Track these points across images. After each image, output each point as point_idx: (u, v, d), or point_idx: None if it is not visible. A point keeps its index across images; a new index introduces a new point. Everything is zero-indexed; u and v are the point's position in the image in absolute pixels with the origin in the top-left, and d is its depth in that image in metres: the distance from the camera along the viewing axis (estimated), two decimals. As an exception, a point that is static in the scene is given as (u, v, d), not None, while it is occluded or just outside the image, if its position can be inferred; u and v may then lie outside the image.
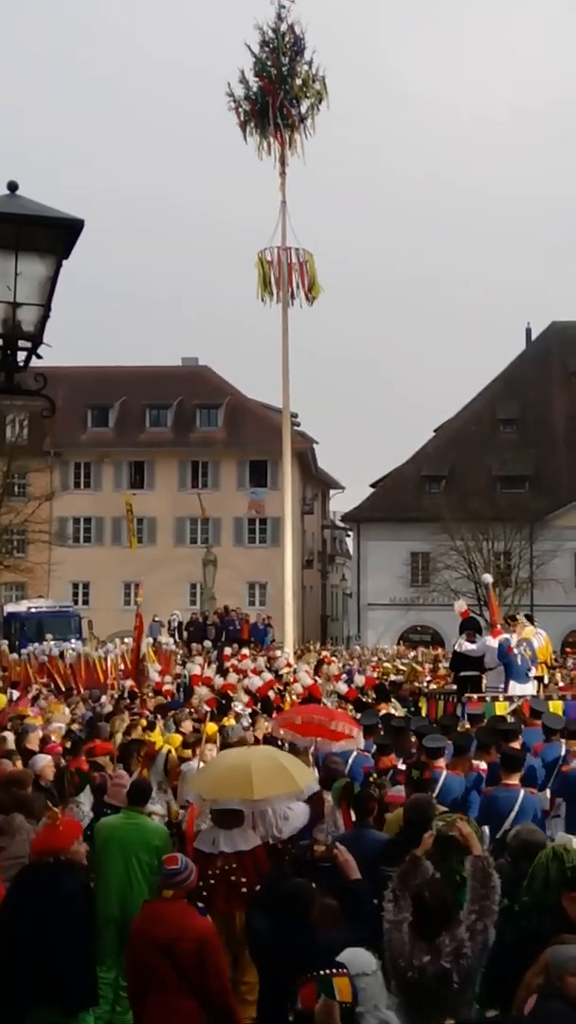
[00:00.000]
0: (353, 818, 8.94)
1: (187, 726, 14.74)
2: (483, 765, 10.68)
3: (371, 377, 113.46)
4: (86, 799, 9.60)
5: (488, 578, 20.83)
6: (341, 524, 63.98)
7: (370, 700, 18.50)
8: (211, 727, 14.15)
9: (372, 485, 58.26)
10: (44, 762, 10.49)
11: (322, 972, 5.07)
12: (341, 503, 66.40)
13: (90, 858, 7.98)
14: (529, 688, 16.53)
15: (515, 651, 16.47)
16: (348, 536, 64.01)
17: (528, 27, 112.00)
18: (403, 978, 5.62)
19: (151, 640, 32.39)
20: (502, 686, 16.47)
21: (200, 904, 7.01)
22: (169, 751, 12.33)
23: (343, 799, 9.04)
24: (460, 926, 5.71)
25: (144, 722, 15.06)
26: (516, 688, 16.18)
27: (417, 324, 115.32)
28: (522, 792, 9.47)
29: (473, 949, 5.64)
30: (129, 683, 21.88)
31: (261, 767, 8.63)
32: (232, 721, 14.94)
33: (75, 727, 14.95)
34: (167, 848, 8.51)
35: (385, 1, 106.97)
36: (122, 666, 25.35)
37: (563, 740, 11.96)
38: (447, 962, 5.55)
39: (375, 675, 26.85)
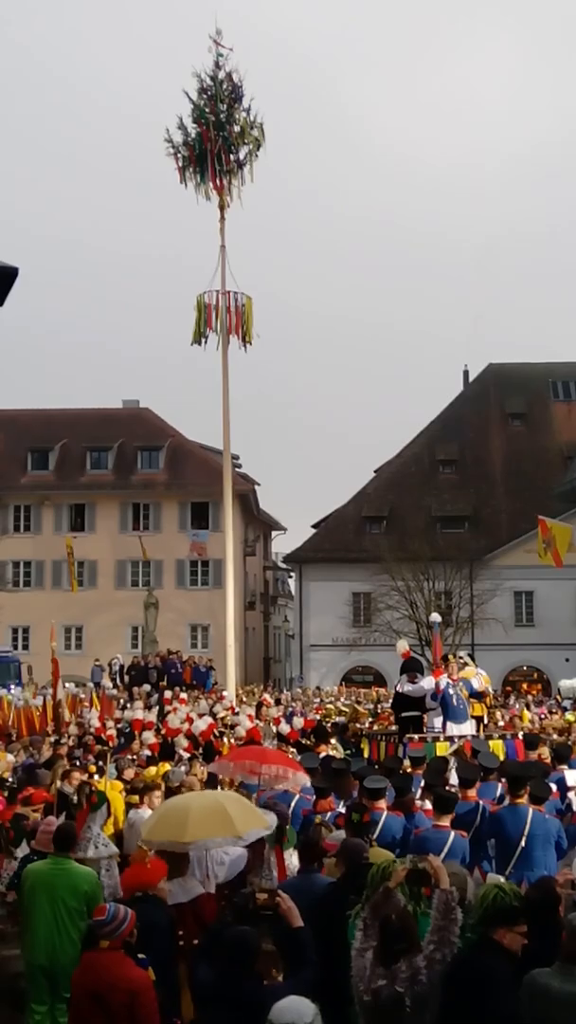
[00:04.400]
0: (297, 862, 8.92)
1: (129, 773, 14.64)
2: (428, 806, 10.69)
3: (311, 419, 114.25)
4: (23, 852, 9.47)
5: (436, 617, 20.89)
6: (283, 565, 64.01)
7: (309, 742, 18.45)
8: (150, 771, 14.08)
9: (313, 526, 58.43)
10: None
11: None
12: (283, 544, 66.63)
13: (18, 905, 7.92)
14: (467, 728, 16.58)
15: (449, 691, 16.54)
16: (290, 577, 64.04)
17: (481, 72, 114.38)
18: (361, 1001, 5.99)
19: (92, 684, 32.14)
20: (439, 727, 16.52)
21: (141, 956, 6.95)
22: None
23: (277, 841, 9.01)
24: (419, 954, 5.98)
25: (93, 768, 14.95)
26: (453, 728, 16.24)
27: (356, 366, 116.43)
28: (452, 834, 9.50)
29: (429, 976, 5.90)
30: (73, 729, 21.67)
31: (200, 810, 8.56)
32: (167, 766, 14.87)
33: (7, 775, 14.75)
34: (96, 893, 8.40)
35: (331, 44, 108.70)
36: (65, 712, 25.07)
37: (500, 780, 12.04)
38: (401, 986, 5.82)
39: (317, 716, 26.82)
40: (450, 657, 18.04)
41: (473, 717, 17.26)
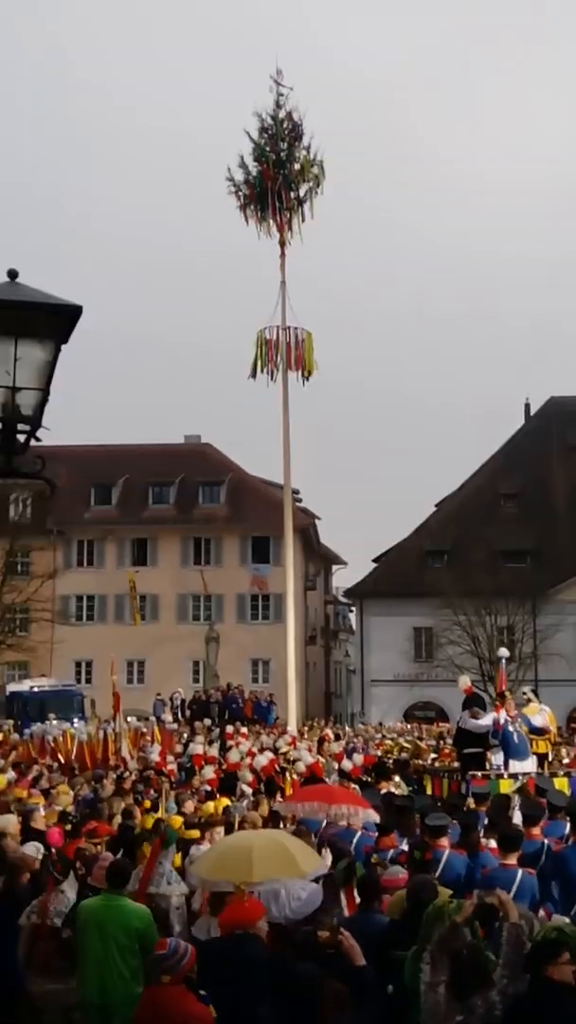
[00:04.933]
0: (358, 900, 8.83)
1: (189, 807, 14.62)
2: (493, 844, 10.53)
3: (372, 452, 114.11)
4: (70, 886, 9.46)
5: (504, 652, 20.75)
6: (344, 600, 63.87)
7: (370, 779, 18.32)
8: (209, 807, 14.04)
9: (374, 560, 58.30)
10: (30, 849, 10.40)
11: None
12: (344, 578, 66.41)
13: (73, 942, 7.93)
14: (529, 765, 16.36)
15: (509, 728, 16.33)
16: (351, 612, 63.88)
17: (548, 102, 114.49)
18: None
19: (154, 718, 32.22)
20: (501, 764, 16.32)
21: (202, 992, 6.92)
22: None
23: (347, 881, 8.93)
24: (493, 988, 5.97)
25: (148, 803, 14.95)
26: (515, 765, 16.02)
27: (417, 398, 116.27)
28: (520, 872, 9.34)
29: (503, 1011, 5.93)
30: (135, 764, 21.70)
31: (263, 849, 8.53)
32: (226, 801, 14.81)
33: (69, 808, 14.78)
34: (148, 930, 8.37)
35: (391, 78, 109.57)
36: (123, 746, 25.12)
37: (568, 818, 11.83)
38: (478, 1022, 5.86)
39: (378, 752, 26.64)
40: (507, 694, 17.86)
41: (536, 754, 17.04)
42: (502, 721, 16.34)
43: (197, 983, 6.97)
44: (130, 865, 9.30)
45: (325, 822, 12.55)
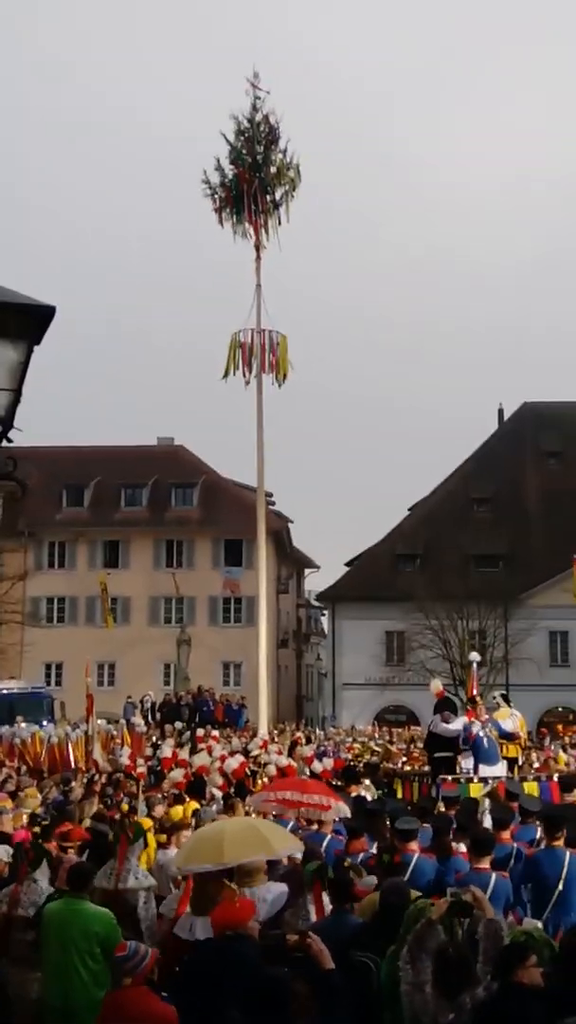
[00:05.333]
0: (328, 902, 8.82)
1: (159, 810, 14.57)
2: (463, 848, 10.54)
3: (345, 456, 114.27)
4: (43, 875, 9.41)
5: (475, 656, 20.75)
6: (316, 603, 63.90)
7: (340, 783, 18.30)
8: (177, 811, 14.00)
9: (347, 564, 58.37)
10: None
11: None
12: (316, 582, 66.43)
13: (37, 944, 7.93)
14: (499, 769, 16.41)
15: (479, 734, 16.36)
16: (323, 615, 63.90)
17: (525, 102, 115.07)
18: None
19: (124, 721, 32.10)
20: (471, 768, 16.36)
21: (164, 993, 6.90)
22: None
23: (315, 881, 8.93)
24: (479, 985, 6.01)
25: (125, 807, 14.89)
26: (485, 770, 16.06)
27: (391, 403, 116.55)
28: (494, 876, 9.35)
29: (472, 1014, 5.97)
30: (106, 766, 21.62)
31: (235, 832, 8.59)
32: (195, 805, 14.78)
33: (38, 810, 14.68)
34: (110, 933, 8.33)
35: (369, 83, 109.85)
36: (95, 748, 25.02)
37: (538, 823, 11.87)
38: (468, 1018, 5.89)
39: (349, 756, 26.64)
40: (477, 699, 17.90)
41: (506, 758, 17.09)
42: (475, 730, 16.35)
43: (183, 982, 6.99)
44: (93, 868, 9.24)
45: (292, 822, 12.54)
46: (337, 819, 12.19)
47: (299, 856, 9.54)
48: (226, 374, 31.52)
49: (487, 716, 16.99)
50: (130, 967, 6.48)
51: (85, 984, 8.13)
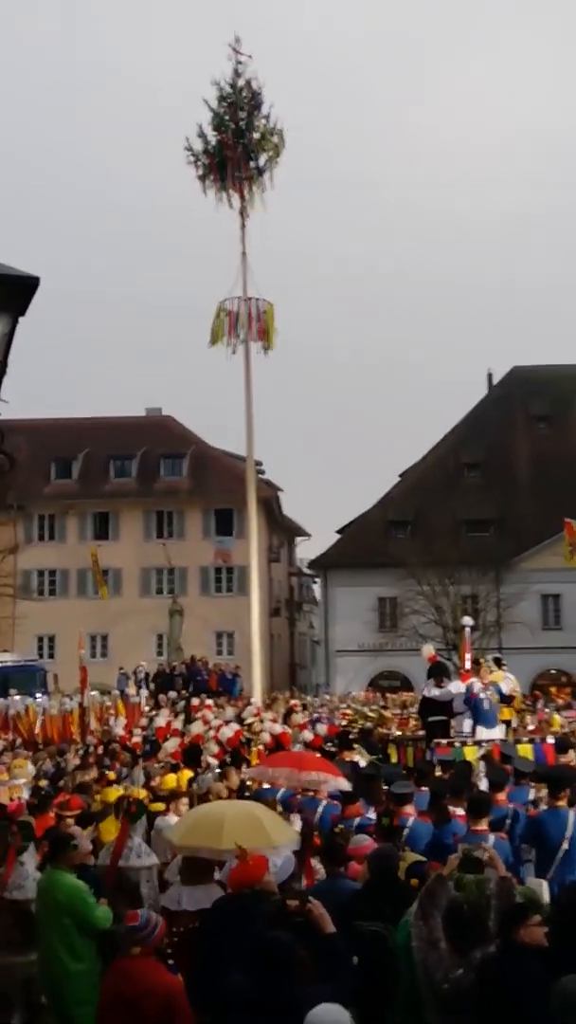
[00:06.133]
0: (318, 867, 8.87)
1: (156, 780, 14.62)
2: (460, 811, 10.60)
3: (335, 424, 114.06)
4: (30, 857, 9.43)
5: (468, 621, 20.76)
6: (308, 571, 63.97)
7: (333, 748, 18.38)
8: (171, 779, 14.05)
9: (338, 531, 58.37)
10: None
11: None
12: (307, 550, 66.50)
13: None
14: (497, 732, 16.46)
15: (481, 696, 16.41)
16: (315, 583, 63.99)
17: (512, 65, 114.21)
18: (438, 991, 6.06)
19: (117, 692, 32.17)
20: (469, 731, 16.40)
21: (171, 961, 6.93)
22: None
23: (304, 848, 8.99)
24: (491, 942, 6.07)
25: (112, 775, 14.95)
26: (484, 733, 16.11)
27: (380, 369, 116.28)
28: (492, 837, 9.41)
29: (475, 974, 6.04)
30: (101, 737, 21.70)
31: (235, 818, 8.58)
32: (190, 773, 14.82)
33: (42, 783, 14.74)
34: (75, 904, 8.37)
35: (352, 47, 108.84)
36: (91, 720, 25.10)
37: (532, 784, 11.94)
38: (474, 974, 5.97)
39: (343, 722, 26.71)
40: (481, 661, 17.94)
41: (502, 721, 17.15)
42: (476, 689, 16.39)
43: (201, 945, 7.08)
44: (68, 837, 9.25)
45: (283, 789, 12.58)
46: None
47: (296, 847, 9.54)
48: (214, 342, 31.35)
49: (489, 679, 16.99)
50: (141, 937, 6.49)
51: (59, 956, 8.22)
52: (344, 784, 12.04)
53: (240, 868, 7.52)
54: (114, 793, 12.00)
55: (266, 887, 7.30)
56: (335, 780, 12.07)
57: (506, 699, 18.05)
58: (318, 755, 16.58)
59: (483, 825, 9.60)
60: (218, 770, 15.40)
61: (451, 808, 10.85)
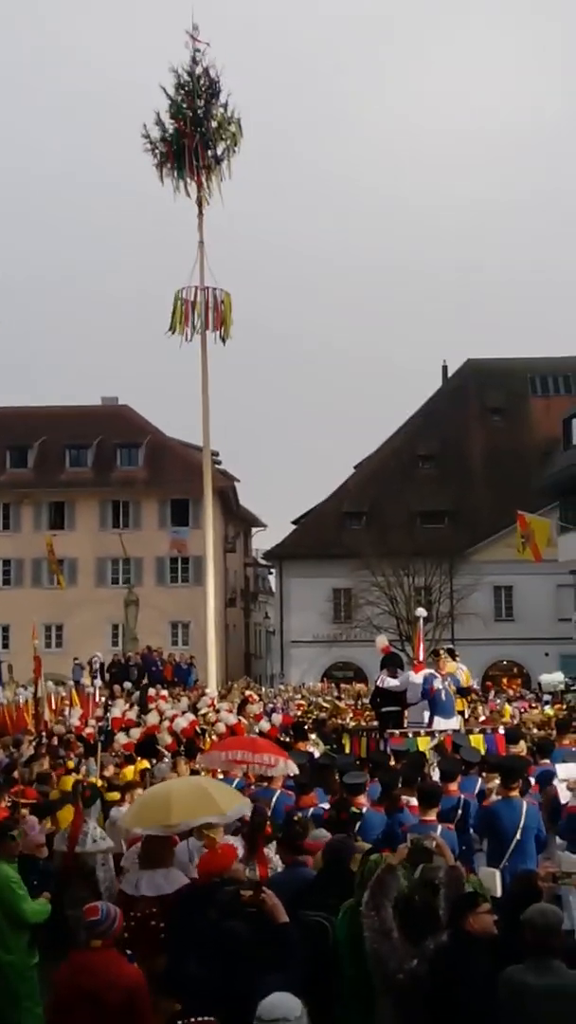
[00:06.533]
0: (272, 856, 8.94)
1: (111, 770, 14.62)
2: (413, 801, 10.70)
3: (291, 415, 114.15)
4: None
5: (422, 612, 20.83)
6: (263, 562, 64.02)
7: (289, 739, 18.46)
8: (128, 770, 14.07)
9: (294, 522, 58.48)
10: None
11: (193, 1020, 5.44)
12: (263, 540, 66.60)
13: None
14: (454, 723, 16.58)
15: (439, 687, 16.53)
16: (271, 574, 64.06)
17: (470, 57, 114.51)
18: (392, 981, 6.08)
19: (72, 682, 32.05)
20: (425, 721, 16.51)
21: (128, 951, 6.95)
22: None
23: (256, 837, 9.05)
24: (443, 931, 6.13)
25: (71, 763, 14.94)
26: (441, 723, 16.22)
27: (335, 363, 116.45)
28: (440, 827, 9.52)
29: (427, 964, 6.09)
30: (59, 728, 21.63)
31: (181, 792, 8.61)
32: (146, 764, 14.86)
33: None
34: (2, 893, 8.40)
35: (312, 37, 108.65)
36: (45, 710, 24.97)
37: (482, 775, 12.09)
38: (429, 964, 6.02)
39: (297, 712, 26.81)
40: (440, 652, 18.03)
41: (457, 712, 17.27)
42: (436, 684, 16.48)
43: (174, 934, 7.12)
44: (5, 828, 9.22)
45: (239, 779, 12.66)
46: (287, 776, 12.32)
47: (249, 814, 9.63)
48: (172, 330, 31.25)
49: (447, 670, 17.06)
50: (101, 930, 6.47)
51: None
52: (293, 767, 12.18)
53: (209, 856, 7.57)
54: (71, 781, 12.01)
55: (234, 875, 7.33)
56: (285, 762, 12.22)
57: (463, 691, 18.19)
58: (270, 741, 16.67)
59: (432, 815, 9.72)
60: (171, 761, 15.41)
61: (404, 798, 10.97)
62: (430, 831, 9.14)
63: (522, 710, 27.02)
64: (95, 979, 6.31)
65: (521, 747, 14.53)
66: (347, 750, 17.77)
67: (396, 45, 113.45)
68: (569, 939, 8.11)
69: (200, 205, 32.32)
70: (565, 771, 11.99)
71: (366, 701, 26.81)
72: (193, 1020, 5.59)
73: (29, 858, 9.17)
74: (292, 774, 12.19)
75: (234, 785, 12.17)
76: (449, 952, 6.09)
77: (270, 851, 9.83)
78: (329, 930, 6.99)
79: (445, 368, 61.56)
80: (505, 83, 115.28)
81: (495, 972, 5.98)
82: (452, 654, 19.83)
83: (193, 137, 31.65)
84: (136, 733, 18.55)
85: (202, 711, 23.31)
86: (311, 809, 10.63)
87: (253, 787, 12.38)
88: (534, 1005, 5.67)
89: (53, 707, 25.47)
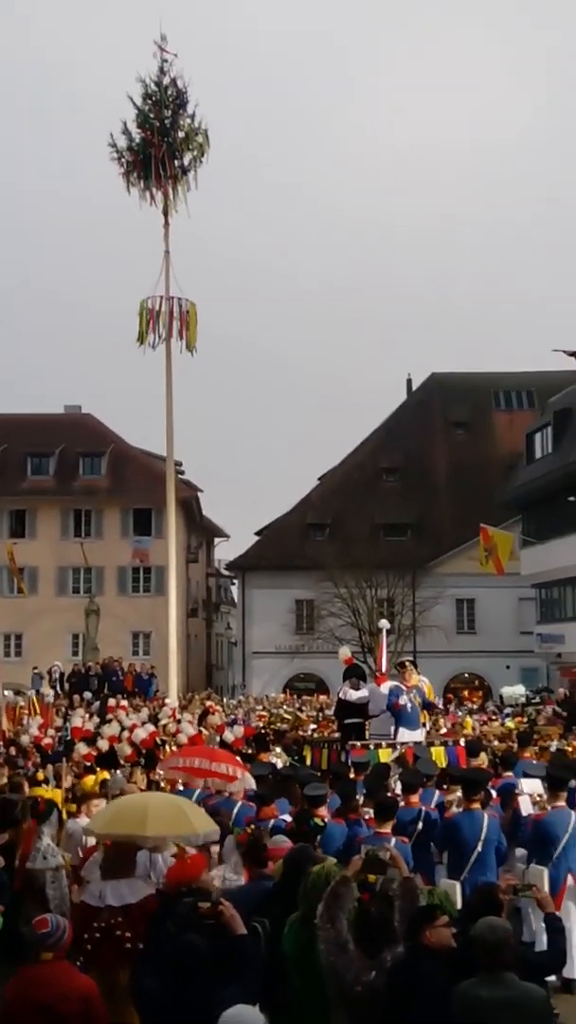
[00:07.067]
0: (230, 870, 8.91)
1: (68, 780, 14.49)
2: (370, 813, 10.68)
3: (255, 426, 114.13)
4: None
5: (385, 624, 20.87)
6: (226, 572, 63.91)
7: (251, 750, 18.40)
8: (88, 780, 13.95)
9: (257, 533, 58.43)
10: None
11: None
12: (226, 551, 66.42)
13: None
14: (418, 735, 16.60)
15: (404, 699, 16.53)
16: (233, 584, 63.96)
17: (437, 66, 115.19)
18: (350, 994, 6.04)
19: (32, 692, 31.79)
20: (391, 733, 16.50)
21: (78, 961, 6.88)
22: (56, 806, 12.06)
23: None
24: (399, 943, 6.10)
25: (41, 775, 14.81)
26: (406, 735, 16.23)
27: (300, 375, 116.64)
28: (393, 840, 9.50)
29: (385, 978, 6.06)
30: (24, 739, 21.44)
31: (158, 807, 8.59)
32: (106, 774, 14.73)
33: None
34: None
35: (281, 48, 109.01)
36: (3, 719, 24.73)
37: (441, 788, 12.11)
38: (386, 977, 6.00)
39: (259, 724, 26.73)
40: (407, 664, 18.04)
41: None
42: (402, 700, 16.47)
43: (149, 943, 6.96)
44: None
45: (199, 790, 12.60)
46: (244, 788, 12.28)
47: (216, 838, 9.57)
48: (140, 340, 31.25)
49: (411, 683, 17.06)
50: (51, 943, 6.42)
51: None
52: (250, 780, 12.15)
53: (178, 866, 7.51)
54: (46, 792, 11.90)
55: (203, 885, 7.26)
56: (243, 775, 12.24)
57: (428, 706, 18.24)
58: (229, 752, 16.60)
59: (387, 828, 9.72)
60: (129, 770, 15.30)
61: (364, 811, 10.94)
62: (384, 843, 9.13)
63: (483, 723, 27.10)
64: (48, 991, 6.26)
65: (482, 759, 14.57)
66: (308, 762, 17.73)
67: (364, 60, 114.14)
68: (528, 950, 8.13)
69: (166, 215, 32.41)
70: (529, 785, 12.00)
71: (328, 713, 26.79)
72: None
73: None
74: (249, 787, 12.15)
75: (195, 796, 12.11)
76: (407, 965, 6.06)
77: (226, 866, 9.80)
78: (263, 935, 6.96)
79: (410, 381, 61.89)
80: (474, 98, 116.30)
81: (450, 986, 5.96)
82: (414, 665, 19.83)
83: (160, 147, 31.76)
84: (104, 744, 18.41)
85: (163, 722, 23.21)
86: (271, 821, 10.57)
87: (214, 798, 12.30)
88: (489, 1018, 5.67)
89: (13, 717, 25.25)
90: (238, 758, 14.93)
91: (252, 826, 9.74)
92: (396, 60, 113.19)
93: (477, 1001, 5.72)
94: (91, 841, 9.83)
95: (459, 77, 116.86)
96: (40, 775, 14.63)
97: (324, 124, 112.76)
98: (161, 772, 14.50)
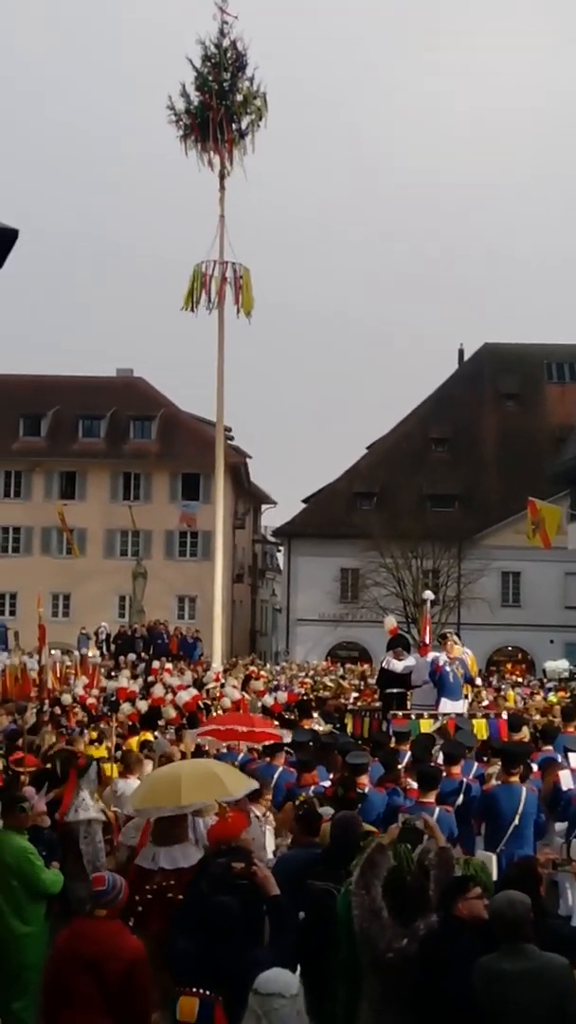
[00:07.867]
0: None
1: (113, 739, 14.69)
2: (412, 784, 10.74)
3: (306, 393, 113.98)
4: None
5: (429, 595, 20.89)
6: (272, 539, 64.04)
7: (293, 716, 18.53)
8: (131, 741, 14.13)
9: (304, 501, 58.43)
10: None
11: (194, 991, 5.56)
12: (273, 518, 66.58)
13: None
14: (460, 706, 16.66)
15: (447, 669, 16.56)
16: (279, 551, 64.09)
17: (500, 40, 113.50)
18: (381, 960, 6.04)
19: (78, 652, 32.17)
20: (433, 704, 16.55)
21: (129, 922, 6.96)
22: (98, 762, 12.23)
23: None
24: (432, 912, 6.11)
25: (94, 734, 15.02)
26: (448, 706, 16.27)
27: (351, 342, 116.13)
28: (437, 810, 9.53)
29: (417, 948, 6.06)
30: (67, 698, 21.74)
31: (191, 775, 8.70)
32: (149, 736, 14.91)
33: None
34: (20, 864, 8.43)
35: (342, 13, 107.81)
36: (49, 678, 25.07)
37: (481, 760, 12.14)
38: (418, 945, 6.00)
39: (302, 691, 26.89)
40: (448, 635, 18.07)
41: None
42: (441, 662, 16.53)
43: (184, 904, 7.11)
44: (20, 799, 9.18)
45: (242, 754, 12.75)
46: (289, 753, 12.38)
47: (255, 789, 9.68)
48: (188, 305, 31.22)
49: (455, 654, 17.10)
50: (107, 900, 6.46)
51: (6, 919, 8.29)
52: (287, 739, 12.30)
53: (219, 825, 7.62)
54: (95, 751, 12.09)
55: (243, 844, 7.33)
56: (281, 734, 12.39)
57: (470, 680, 18.28)
58: (273, 721, 16.76)
59: (430, 798, 9.74)
60: (174, 733, 15.46)
61: (407, 780, 11.00)
62: (427, 813, 9.17)
63: (525, 697, 27.07)
64: (97, 948, 6.29)
65: (524, 734, 14.56)
66: (349, 730, 17.84)
67: (430, 19, 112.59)
68: (564, 924, 8.17)
69: (222, 179, 32.29)
70: (575, 760, 11.97)
71: (370, 682, 26.88)
72: (194, 991, 5.62)
73: (34, 828, 9.20)
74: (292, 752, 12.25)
75: (238, 760, 12.25)
76: (439, 936, 6.10)
77: (268, 826, 9.91)
78: (335, 897, 7.01)
79: (461, 351, 61.37)
80: (537, 64, 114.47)
81: (477, 957, 6.00)
82: (459, 637, 19.88)
83: (218, 110, 31.56)
84: (143, 705, 18.64)
85: (208, 685, 23.41)
86: (312, 787, 10.67)
87: (256, 762, 12.43)
88: (511, 991, 5.70)
89: (58, 675, 25.59)
90: (276, 726, 15.10)
91: (305, 793, 9.83)
92: (470, 18, 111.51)
93: (500, 974, 5.75)
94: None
95: (529, 37, 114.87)
96: (93, 734, 14.85)
97: (388, 84, 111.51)
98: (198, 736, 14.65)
